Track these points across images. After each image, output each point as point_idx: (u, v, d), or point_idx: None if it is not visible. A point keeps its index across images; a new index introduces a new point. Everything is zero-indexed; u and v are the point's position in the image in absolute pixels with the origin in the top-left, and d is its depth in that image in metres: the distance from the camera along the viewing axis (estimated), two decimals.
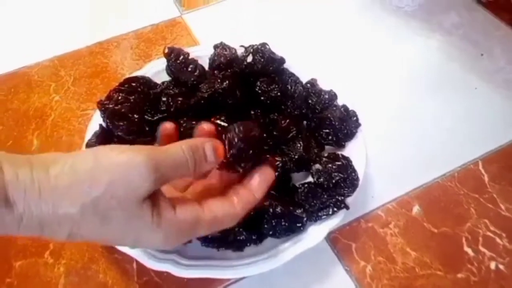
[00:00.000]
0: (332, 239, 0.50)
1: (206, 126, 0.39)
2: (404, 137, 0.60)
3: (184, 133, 0.48)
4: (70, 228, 0.29)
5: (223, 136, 0.37)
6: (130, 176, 0.30)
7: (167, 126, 0.42)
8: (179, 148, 0.33)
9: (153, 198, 0.31)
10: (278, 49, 0.58)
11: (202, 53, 0.61)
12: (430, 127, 0.60)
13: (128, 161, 0.30)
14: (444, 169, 0.56)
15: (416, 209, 0.52)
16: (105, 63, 0.70)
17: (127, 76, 0.59)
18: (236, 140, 0.35)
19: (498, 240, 0.50)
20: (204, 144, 0.35)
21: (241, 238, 0.45)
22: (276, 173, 0.40)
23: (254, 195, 0.36)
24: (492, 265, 0.48)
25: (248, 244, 0.46)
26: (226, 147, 0.36)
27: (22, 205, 0.28)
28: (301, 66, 0.59)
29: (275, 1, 0.80)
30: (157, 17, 0.76)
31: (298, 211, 0.46)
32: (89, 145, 0.51)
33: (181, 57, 0.58)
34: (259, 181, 0.37)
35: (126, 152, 0.31)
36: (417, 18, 0.75)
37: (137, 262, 0.47)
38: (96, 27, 0.76)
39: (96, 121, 0.54)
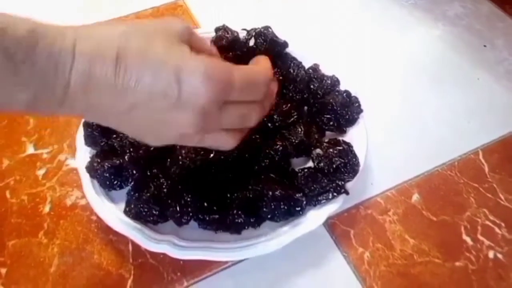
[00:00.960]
0: (331, 225, 0.49)
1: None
2: (405, 125, 0.59)
3: None
4: (118, 46, 0.30)
5: None
6: (170, 22, 0.34)
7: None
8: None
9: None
10: (281, 33, 0.58)
11: (203, 36, 0.59)
12: (432, 116, 0.60)
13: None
14: (444, 158, 0.55)
15: (415, 197, 0.52)
16: None
17: None
18: None
19: (497, 229, 0.50)
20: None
21: (239, 221, 0.45)
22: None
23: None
24: (491, 254, 0.48)
25: (246, 227, 0.45)
26: None
27: (71, 34, 0.30)
28: (304, 51, 0.58)
29: None
30: (158, 0, 0.75)
31: (298, 195, 0.45)
32: (86, 123, 0.50)
33: None
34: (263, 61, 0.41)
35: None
36: (421, 8, 0.74)
37: (132, 243, 0.47)
38: (96, 8, 0.74)
39: None
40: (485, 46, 0.69)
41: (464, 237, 0.49)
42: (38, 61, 0.29)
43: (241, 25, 0.59)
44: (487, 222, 0.50)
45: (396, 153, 0.56)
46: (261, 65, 0.40)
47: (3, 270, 0.46)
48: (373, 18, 0.73)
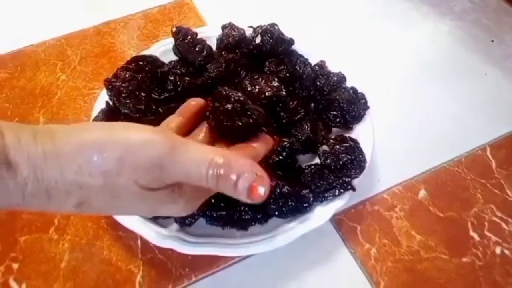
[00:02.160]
0: (337, 221, 0.50)
1: (193, 102, 0.39)
2: (412, 121, 0.59)
3: None
4: (79, 197, 0.28)
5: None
6: (141, 163, 0.28)
7: (192, 104, 0.39)
8: (203, 164, 0.29)
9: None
10: (287, 30, 0.58)
11: (210, 34, 0.60)
12: (439, 112, 0.60)
13: (141, 143, 0.28)
14: (451, 154, 0.55)
15: (422, 193, 0.52)
16: (112, 43, 0.69)
17: (134, 55, 0.59)
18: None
19: (504, 225, 0.50)
20: (242, 173, 0.29)
21: (246, 217, 0.45)
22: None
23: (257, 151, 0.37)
24: (498, 250, 0.48)
25: (253, 223, 0.46)
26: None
27: (26, 169, 0.26)
28: (310, 48, 0.59)
29: None
30: None
31: (305, 191, 0.46)
32: (95, 121, 0.50)
33: (189, 36, 0.57)
34: (259, 144, 0.37)
35: (142, 133, 0.29)
36: (428, 3, 0.74)
37: (141, 239, 0.47)
38: (104, 7, 0.75)
39: (103, 99, 0.53)
40: (492, 41, 0.68)
41: (471, 233, 0.49)
42: None
43: (248, 22, 0.59)
44: (494, 218, 0.50)
45: (403, 149, 0.56)
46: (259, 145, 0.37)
47: (15, 265, 0.47)
48: (379, 14, 0.73)
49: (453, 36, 0.69)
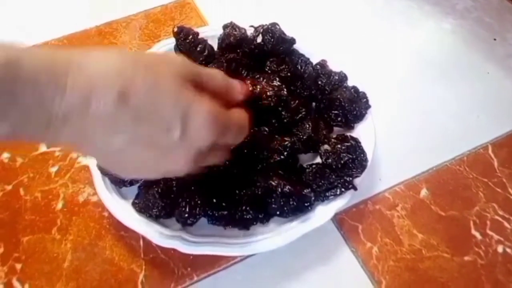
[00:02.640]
0: (339, 220, 0.50)
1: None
2: (413, 120, 0.59)
3: None
4: (122, 86, 0.28)
5: None
6: (173, 59, 0.34)
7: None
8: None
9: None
10: (288, 30, 0.58)
11: (211, 33, 0.60)
12: (441, 111, 0.60)
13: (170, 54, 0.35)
14: (453, 153, 0.55)
15: (424, 192, 0.52)
16: (114, 43, 0.69)
17: None
18: None
19: (506, 224, 0.50)
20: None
21: (247, 217, 0.45)
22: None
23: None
24: (500, 248, 0.48)
25: (255, 223, 0.46)
26: None
27: (62, 64, 0.28)
28: (312, 47, 0.59)
29: None
30: None
31: (306, 190, 0.46)
32: None
33: (190, 36, 0.58)
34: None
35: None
36: (429, 1, 0.74)
37: (143, 239, 0.48)
38: (106, 7, 0.75)
39: None
40: (495, 39, 0.68)
41: (473, 231, 0.49)
42: (20, 94, 0.27)
43: (249, 22, 0.59)
44: (496, 217, 0.50)
45: (405, 148, 0.56)
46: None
47: (18, 266, 0.47)
48: (380, 13, 0.73)
49: (455, 35, 0.69)
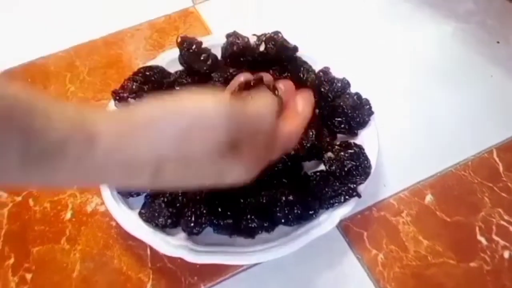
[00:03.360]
0: (344, 227, 0.50)
1: (242, 78, 0.40)
2: (417, 125, 0.59)
3: None
4: (155, 165, 0.29)
5: None
6: (210, 124, 0.30)
7: (242, 79, 0.41)
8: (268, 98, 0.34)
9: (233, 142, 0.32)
10: (291, 37, 0.58)
11: (214, 42, 0.61)
12: (444, 115, 0.60)
13: (209, 108, 0.30)
14: (458, 158, 0.55)
15: (429, 198, 0.52)
16: (120, 53, 0.70)
17: (141, 66, 0.60)
18: None
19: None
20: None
21: (253, 225, 0.46)
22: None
23: (304, 114, 0.38)
24: (506, 254, 0.48)
25: (260, 231, 0.46)
26: None
27: (107, 141, 0.28)
28: (314, 54, 0.59)
29: None
30: (170, 8, 0.76)
31: (310, 198, 0.46)
32: None
33: (194, 46, 0.58)
34: (302, 103, 0.38)
35: (210, 98, 0.31)
36: (431, 5, 0.74)
37: (151, 248, 0.48)
38: (111, 18, 0.76)
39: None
40: (498, 42, 0.68)
41: (479, 237, 0.49)
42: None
43: (253, 30, 0.60)
44: (502, 222, 0.50)
45: (409, 153, 0.56)
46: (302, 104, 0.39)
47: (29, 276, 0.48)
48: (382, 17, 0.73)
49: (458, 38, 0.69)
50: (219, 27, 0.72)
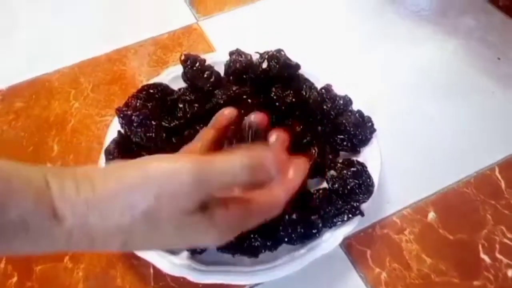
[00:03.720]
0: (347, 245, 0.50)
1: (226, 111, 0.41)
2: (419, 141, 0.59)
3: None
4: (122, 239, 0.29)
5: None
6: (178, 191, 0.29)
7: (225, 116, 0.41)
8: (236, 163, 0.30)
9: (203, 203, 0.30)
10: (293, 55, 0.59)
11: (217, 60, 0.61)
12: (446, 132, 0.60)
13: (175, 173, 0.29)
14: (460, 175, 0.55)
15: (431, 215, 0.52)
16: (123, 70, 0.71)
17: (145, 82, 0.60)
18: None
19: None
20: (265, 159, 0.31)
21: (256, 244, 0.46)
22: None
23: (293, 183, 0.36)
24: (510, 272, 0.48)
25: (263, 251, 0.46)
26: None
27: (71, 218, 0.27)
28: (316, 72, 0.59)
29: (289, 7, 0.80)
30: (173, 24, 0.77)
31: (313, 217, 0.46)
32: (107, 151, 0.52)
33: (197, 63, 0.59)
34: (294, 171, 0.36)
35: (174, 163, 0.30)
36: (432, 22, 0.74)
37: (154, 267, 0.48)
38: (114, 34, 0.77)
39: (115, 127, 0.55)
40: (499, 58, 0.68)
41: (482, 255, 0.49)
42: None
43: (256, 47, 0.60)
44: (505, 240, 0.50)
45: (411, 170, 0.56)
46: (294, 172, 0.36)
47: None
48: (384, 34, 0.74)
49: (459, 55, 0.70)
50: (223, 44, 0.73)
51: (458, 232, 0.51)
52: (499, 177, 0.55)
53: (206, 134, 0.41)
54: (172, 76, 0.61)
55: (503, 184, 0.54)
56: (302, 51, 0.60)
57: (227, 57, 0.61)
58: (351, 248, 0.50)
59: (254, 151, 0.31)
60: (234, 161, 0.30)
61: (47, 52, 0.75)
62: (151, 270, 0.49)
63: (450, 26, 0.74)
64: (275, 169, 0.31)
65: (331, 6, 0.80)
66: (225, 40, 0.74)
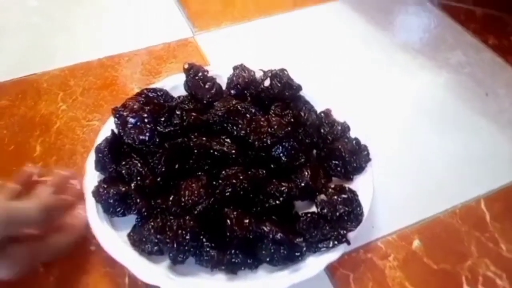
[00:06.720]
0: (330, 268, 0.49)
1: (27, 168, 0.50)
2: (408, 170, 0.59)
3: (193, 148, 0.49)
4: None
5: None
6: None
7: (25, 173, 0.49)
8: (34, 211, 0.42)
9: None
10: (296, 76, 0.59)
11: (219, 73, 0.61)
12: (434, 163, 0.60)
13: None
14: (446, 205, 0.55)
15: (416, 243, 0.52)
16: (115, 76, 0.70)
17: (136, 90, 0.59)
18: None
19: (498, 280, 0.49)
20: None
21: (236, 260, 0.45)
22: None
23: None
24: None
25: (243, 268, 0.45)
26: None
27: None
28: (317, 95, 0.60)
29: (286, 28, 0.81)
30: (170, 36, 0.78)
31: (298, 240, 0.45)
32: (98, 148, 0.51)
33: (200, 74, 0.59)
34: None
35: None
36: (425, 55, 0.76)
37: (129, 276, 0.47)
38: (109, 40, 0.77)
39: (110, 126, 0.54)
40: (487, 94, 0.70)
41: (465, 287, 0.48)
42: None
43: (250, 64, 0.61)
44: (488, 273, 0.50)
45: (399, 197, 0.56)
46: None
47: None
48: (381, 65, 0.75)
49: (449, 89, 0.71)
50: (217, 59, 0.73)
51: (442, 262, 0.50)
52: (485, 209, 0.55)
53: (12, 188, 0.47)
54: (172, 84, 0.61)
55: (487, 217, 0.55)
56: (305, 73, 0.60)
57: (229, 71, 0.60)
58: (335, 271, 0.49)
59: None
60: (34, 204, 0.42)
61: (39, 54, 0.74)
62: (126, 280, 0.47)
63: (442, 60, 0.75)
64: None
65: (332, 32, 0.81)
66: (220, 55, 0.74)
